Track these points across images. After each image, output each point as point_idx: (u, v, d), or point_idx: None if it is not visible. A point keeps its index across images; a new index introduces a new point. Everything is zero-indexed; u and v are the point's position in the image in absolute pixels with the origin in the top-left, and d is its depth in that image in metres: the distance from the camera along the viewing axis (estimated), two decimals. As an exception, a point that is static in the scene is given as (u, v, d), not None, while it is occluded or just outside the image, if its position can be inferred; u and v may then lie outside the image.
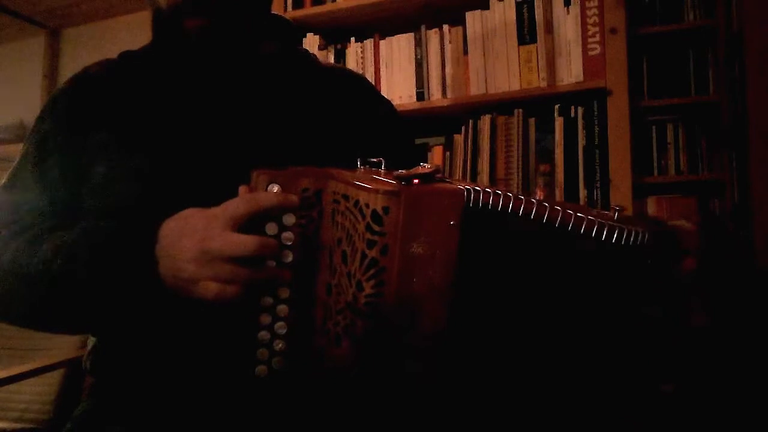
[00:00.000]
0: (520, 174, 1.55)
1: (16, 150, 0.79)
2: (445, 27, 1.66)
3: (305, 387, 0.58)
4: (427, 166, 0.52)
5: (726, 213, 1.43)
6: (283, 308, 0.57)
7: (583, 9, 1.49)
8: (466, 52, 1.63)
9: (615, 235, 0.52)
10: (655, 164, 1.54)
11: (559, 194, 1.50)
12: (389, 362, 0.51)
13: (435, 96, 1.65)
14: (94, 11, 2.45)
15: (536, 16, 1.53)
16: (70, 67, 2.56)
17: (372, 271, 0.50)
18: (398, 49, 1.71)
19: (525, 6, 1.54)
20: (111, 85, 0.76)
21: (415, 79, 1.68)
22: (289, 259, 0.56)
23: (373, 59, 1.74)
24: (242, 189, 0.57)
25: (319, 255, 0.57)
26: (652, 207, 1.49)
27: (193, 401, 0.65)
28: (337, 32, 1.80)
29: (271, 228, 0.55)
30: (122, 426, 0.66)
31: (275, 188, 0.56)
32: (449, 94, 1.64)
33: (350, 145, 0.72)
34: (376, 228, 0.50)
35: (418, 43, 1.68)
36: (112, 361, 0.70)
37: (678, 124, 1.53)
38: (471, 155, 1.62)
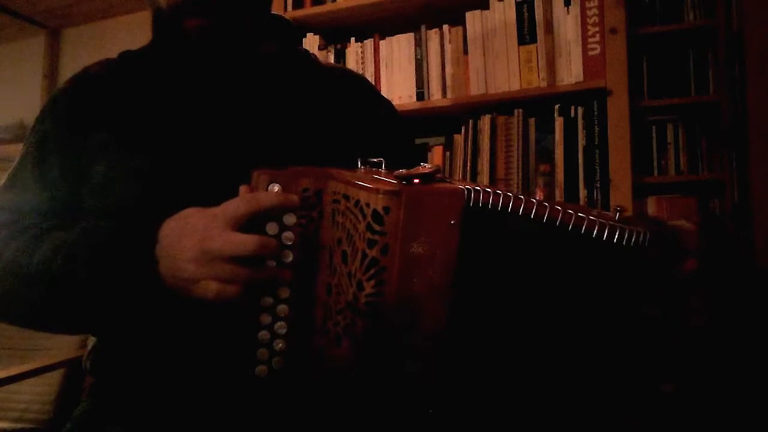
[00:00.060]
0: (520, 174, 1.55)
1: (16, 150, 0.79)
2: (445, 27, 1.66)
3: (305, 387, 0.58)
4: (427, 166, 0.53)
5: (726, 213, 1.43)
6: (283, 308, 0.57)
7: (583, 9, 1.49)
8: (466, 52, 1.63)
9: (616, 236, 0.52)
10: (655, 164, 1.54)
11: (559, 194, 1.50)
12: (389, 362, 0.51)
13: (435, 96, 1.65)
14: (94, 11, 2.45)
15: (536, 16, 1.53)
16: (70, 67, 2.56)
17: (372, 271, 0.50)
18: (398, 49, 1.71)
19: (525, 6, 1.54)
20: (111, 85, 0.76)
21: (415, 79, 1.68)
22: (290, 258, 0.56)
23: (373, 59, 1.74)
24: (243, 189, 0.57)
25: (320, 255, 0.57)
26: (652, 207, 1.49)
27: (193, 401, 0.65)
28: (337, 32, 1.80)
29: (272, 228, 0.55)
30: (122, 426, 0.66)
31: (276, 188, 0.56)
32: (449, 94, 1.64)
33: (350, 145, 0.72)
34: (377, 228, 0.50)
35: (418, 43, 1.68)
36: (112, 361, 0.70)
37: (678, 124, 1.53)
38: (471, 155, 1.62)
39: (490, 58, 1.59)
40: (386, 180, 0.52)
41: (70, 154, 0.72)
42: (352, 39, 1.77)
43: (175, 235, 0.57)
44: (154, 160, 0.69)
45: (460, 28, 1.63)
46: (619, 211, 0.54)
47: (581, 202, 1.48)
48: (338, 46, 1.80)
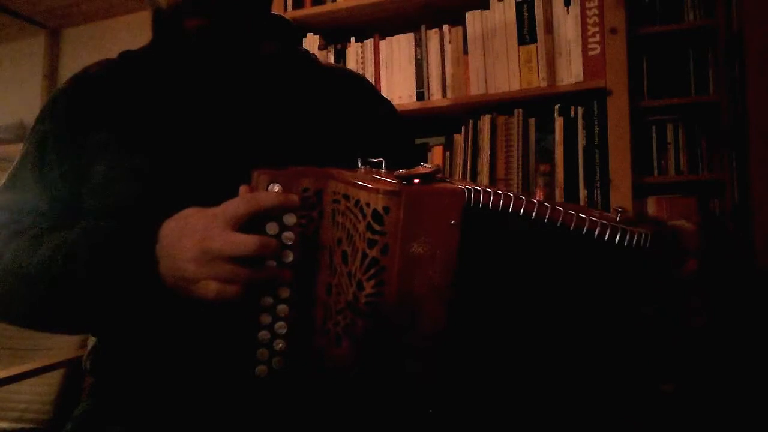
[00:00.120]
0: (520, 174, 1.55)
1: (16, 150, 0.79)
2: (445, 27, 1.66)
3: (305, 387, 0.58)
4: (427, 166, 0.53)
5: (726, 213, 1.43)
6: (283, 308, 0.57)
7: (583, 9, 1.49)
8: (466, 52, 1.63)
9: (617, 237, 0.52)
10: (655, 164, 1.54)
11: (559, 194, 1.50)
12: (389, 362, 0.51)
13: (435, 96, 1.65)
14: (94, 11, 2.45)
15: (536, 16, 1.53)
16: (70, 67, 2.56)
17: (372, 271, 0.50)
18: (398, 49, 1.71)
19: (525, 6, 1.54)
20: (111, 85, 0.76)
21: (415, 79, 1.68)
22: (290, 258, 0.56)
23: (373, 59, 1.74)
24: (243, 189, 0.57)
25: (320, 255, 0.57)
26: (652, 207, 1.49)
27: (193, 401, 0.65)
28: (337, 32, 1.80)
29: (272, 228, 0.55)
30: (122, 426, 0.66)
31: (276, 188, 0.56)
32: (449, 94, 1.64)
33: (350, 145, 0.72)
34: (377, 227, 0.50)
35: (418, 43, 1.68)
36: (112, 361, 0.70)
37: (678, 124, 1.53)
38: (471, 155, 1.62)
39: (490, 58, 1.59)
40: (386, 180, 0.52)
41: (70, 154, 0.72)
42: (352, 39, 1.77)
43: (175, 235, 0.57)
44: (154, 160, 0.69)
45: (460, 28, 1.63)
46: (620, 212, 0.54)
47: (581, 202, 1.48)
48: (338, 46, 1.80)
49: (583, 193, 1.48)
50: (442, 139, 1.72)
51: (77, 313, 0.65)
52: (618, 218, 0.53)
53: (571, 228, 0.52)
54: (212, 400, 0.64)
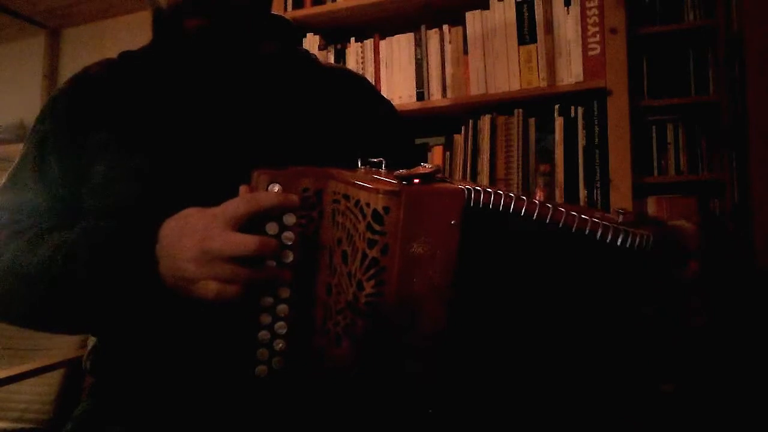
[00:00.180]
0: (520, 174, 1.55)
1: (16, 150, 0.79)
2: (445, 27, 1.66)
3: (305, 387, 0.58)
4: (427, 166, 0.52)
5: (726, 213, 1.43)
6: (283, 308, 0.57)
7: (583, 9, 1.49)
8: (466, 52, 1.63)
9: (620, 239, 0.52)
10: (655, 164, 1.54)
11: (559, 194, 1.50)
12: (389, 362, 0.51)
13: (435, 96, 1.65)
14: (94, 11, 2.45)
15: (536, 16, 1.53)
16: (70, 67, 2.56)
17: (372, 271, 0.50)
18: (398, 49, 1.71)
19: (525, 6, 1.54)
20: (111, 85, 0.76)
21: (415, 79, 1.68)
22: (290, 259, 0.56)
23: (373, 59, 1.74)
24: (243, 189, 0.57)
25: (320, 255, 0.57)
26: (652, 207, 1.49)
27: (193, 401, 0.65)
28: (337, 32, 1.80)
29: (272, 228, 0.55)
30: (122, 426, 0.66)
31: (276, 188, 0.56)
32: (449, 94, 1.64)
33: (350, 145, 0.72)
34: (377, 227, 0.50)
35: (418, 43, 1.68)
36: (112, 361, 0.70)
37: (678, 124, 1.53)
38: (471, 155, 1.62)
39: (490, 58, 1.59)
40: (386, 180, 0.52)
41: (70, 154, 0.72)
42: (352, 39, 1.77)
43: (175, 235, 0.57)
44: (154, 160, 0.69)
45: (460, 28, 1.63)
46: (622, 213, 0.54)
47: (581, 202, 1.48)
48: (338, 46, 1.80)
49: (583, 193, 1.48)
50: (442, 139, 1.72)
51: (77, 313, 0.65)
52: (620, 220, 0.53)
53: (573, 229, 0.52)
54: (212, 400, 0.64)
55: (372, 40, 1.74)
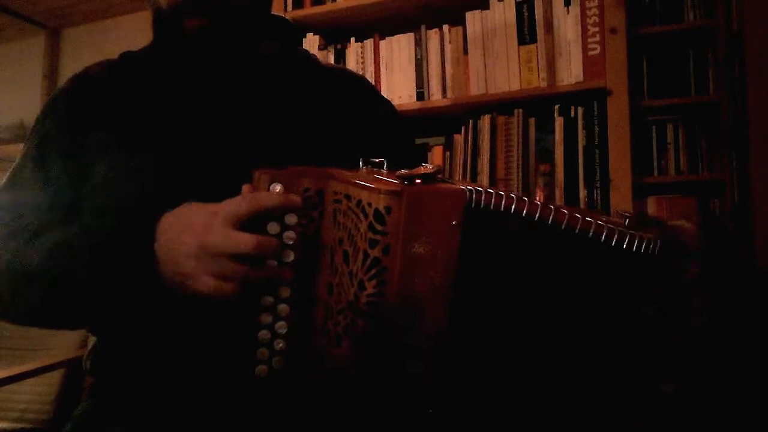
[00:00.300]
0: (520, 174, 1.55)
1: (16, 150, 0.79)
2: (445, 27, 1.65)
3: (305, 387, 0.58)
4: (429, 166, 0.53)
5: (726, 213, 1.43)
6: (283, 308, 0.57)
7: (583, 9, 1.49)
8: (466, 52, 1.63)
9: (626, 242, 0.52)
10: (655, 164, 1.54)
11: (559, 194, 1.50)
12: (390, 362, 0.51)
13: (435, 96, 1.65)
14: (94, 11, 2.45)
15: (536, 16, 1.53)
16: (70, 67, 2.56)
17: (374, 271, 0.50)
18: (398, 49, 1.71)
19: (525, 6, 1.54)
20: (111, 85, 0.76)
21: (415, 79, 1.68)
22: (291, 258, 0.56)
23: (373, 59, 1.74)
24: (246, 188, 0.57)
25: (321, 255, 0.57)
26: (652, 207, 1.49)
27: (193, 401, 0.65)
28: (337, 32, 1.80)
29: (273, 228, 0.55)
30: (122, 426, 0.66)
31: (277, 188, 0.56)
32: (449, 94, 1.64)
33: (351, 146, 0.72)
34: (379, 227, 0.50)
35: (418, 43, 1.68)
36: (112, 361, 0.70)
37: (678, 124, 1.53)
38: (471, 155, 1.62)
39: (490, 58, 1.59)
40: (388, 180, 0.52)
41: (70, 154, 0.72)
42: (352, 39, 1.77)
43: (175, 231, 0.57)
44: (155, 160, 0.69)
45: (460, 28, 1.63)
46: (627, 216, 0.54)
47: (581, 202, 1.48)
48: (338, 46, 1.80)
49: (583, 193, 1.48)
50: (442, 139, 1.72)
51: (78, 311, 0.65)
52: (626, 223, 0.53)
53: (576, 231, 0.52)
54: (212, 399, 0.64)
55: (372, 40, 1.74)
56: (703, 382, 1.14)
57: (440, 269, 0.50)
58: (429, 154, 1.72)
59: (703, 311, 0.58)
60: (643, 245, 0.52)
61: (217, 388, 0.64)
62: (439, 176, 0.53)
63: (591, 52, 1.47)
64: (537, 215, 0.52)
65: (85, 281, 0.60)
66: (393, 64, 1.71)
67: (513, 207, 0.52)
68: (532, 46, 1.54)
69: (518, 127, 1.56)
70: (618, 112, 1.42)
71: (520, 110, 1.57)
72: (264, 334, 0.57)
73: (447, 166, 1.68)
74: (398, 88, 1.70)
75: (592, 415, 0.57)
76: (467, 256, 0.51)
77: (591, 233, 0.52)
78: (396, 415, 0.53)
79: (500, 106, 1.59)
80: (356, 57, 1.76)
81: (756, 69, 1.35)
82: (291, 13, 1.76)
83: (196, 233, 0.55)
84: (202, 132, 0.71)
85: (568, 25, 1.51)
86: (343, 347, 0.53)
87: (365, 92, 0.88)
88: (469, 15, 1.61)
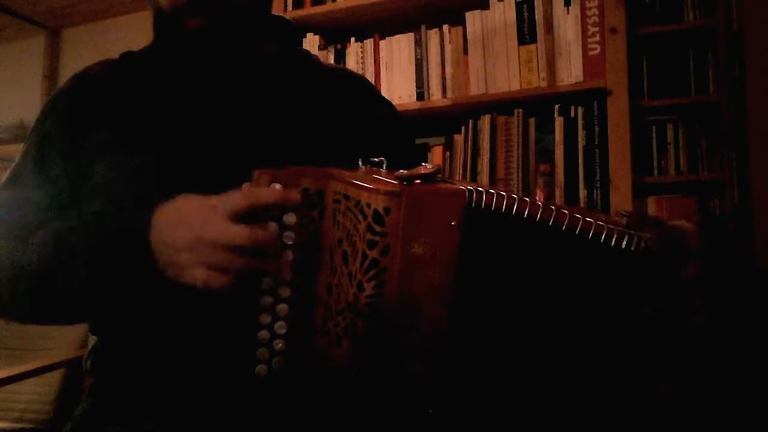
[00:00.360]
0: (520, 174, 1.55)
1: (16, 150, 0.79)
2: (445, 27, 1.65)
3: (305, 387, 0.58)
4: (428, 166, 0.53)
5: (726, 213, 1.43)
6: (283, 308, 0.57)
7: (583, 9, 1.49)
8: (466, 52, 1.63)
9: (624, 241, 0.52)
10: (655, 164, 1.54)
11: (559, 194, 1.50)
12: (389, 363, 0.51)
13: (435, 96, 1.65)
14: (94, 11, 2.45)
15: (536, 16, 1.53)
16: (70, 67, 2.56)
17: (373, 272, 0.50)
18: (398, 49, 1.71)
19: (525, 6, 1.54)
20: (111, 85, 0.76)
21: (415, 79, 1.68)
22: (290, 258, 0.56)
23: (373, 59, 1.74)
24: (245, 187, 0.57)
25: (320, 255, 0.57)
26: (652, 207, 1.49)
27: (193, 401, 0.65)
28: (337, 32, 1.80)
29: (272, 227, 0.55)
30: (122, 426, 0.66)
31: (277, 187, 0.56)
32: (449, 94, 1.64)
33: (351, 146, 0.72)
34: (378, 228, 0.50)
35: (418, 43, 1.68)
36: (112, 361, 0.70)
37: (678, 124, 1.53)
38: (471, 155, 1.62)
39: (490, 58, 1.59)
40: (387, 180, 0.52)
41: (70, 154, 0.72)
42: (352, 39, 1.77)
43: (171, 222, 0.56)
44: (155, 160, 0.69)
45: (460, 28, 1.63)
46: (627, 216, 0.54)
47: (581, 202, 1.48)
48: (338, 46, 1.80)
49: (583, 193, 1.48)
50: (442, 139, 1.72)
51: (78, 309, 0.65)
52: (626, 223, 0.53)
53: (577, 231, 0.52)
54: (212, 399, 0.64)
55: (372, 40, 1.74)
56: (703, 382, 1.14)
57: (439, 270, 0.50)
58: (429, 154, 1.72)
59: (703, 311, 0.58)
60: (643, 245, 0.52)
61: (217, 388, 0.64)
62: (439, 176, 0.52)
63: (591, 52, 1.47)
64: (538, 216, 0.52)
65: (85, 282, 0.60)
66: (393, 64, 1.71)
67: (513, 207, 0.51)
68: (532, 46, 1.54)
69: (518, 127, 1.56)
70: (618, 112, 1.42)
71: (520, 110, 1.57)
72: (263, 334, 0.57)
73: (447, 166, 1.68)
74: (398, 88, 1.70)
75: (592, 414, 0.57)
76: (467, 256, 0.51)
77: (591, 233, 0.52)
78: (395, 415, 0.53)
79: (500, 106, 1.59)
80: (356, 57, 1.76)
81: (756, 69, 1.34)
82: (291, 13, 1.76)
83: (192, 225, 0.55)
84: (203, 132, 0.71)
85: (568, 25, 1.51)
86: (343, 347, 0.53)
87: (365, 92, 0.88)
88: (469, 15, 1.61)
